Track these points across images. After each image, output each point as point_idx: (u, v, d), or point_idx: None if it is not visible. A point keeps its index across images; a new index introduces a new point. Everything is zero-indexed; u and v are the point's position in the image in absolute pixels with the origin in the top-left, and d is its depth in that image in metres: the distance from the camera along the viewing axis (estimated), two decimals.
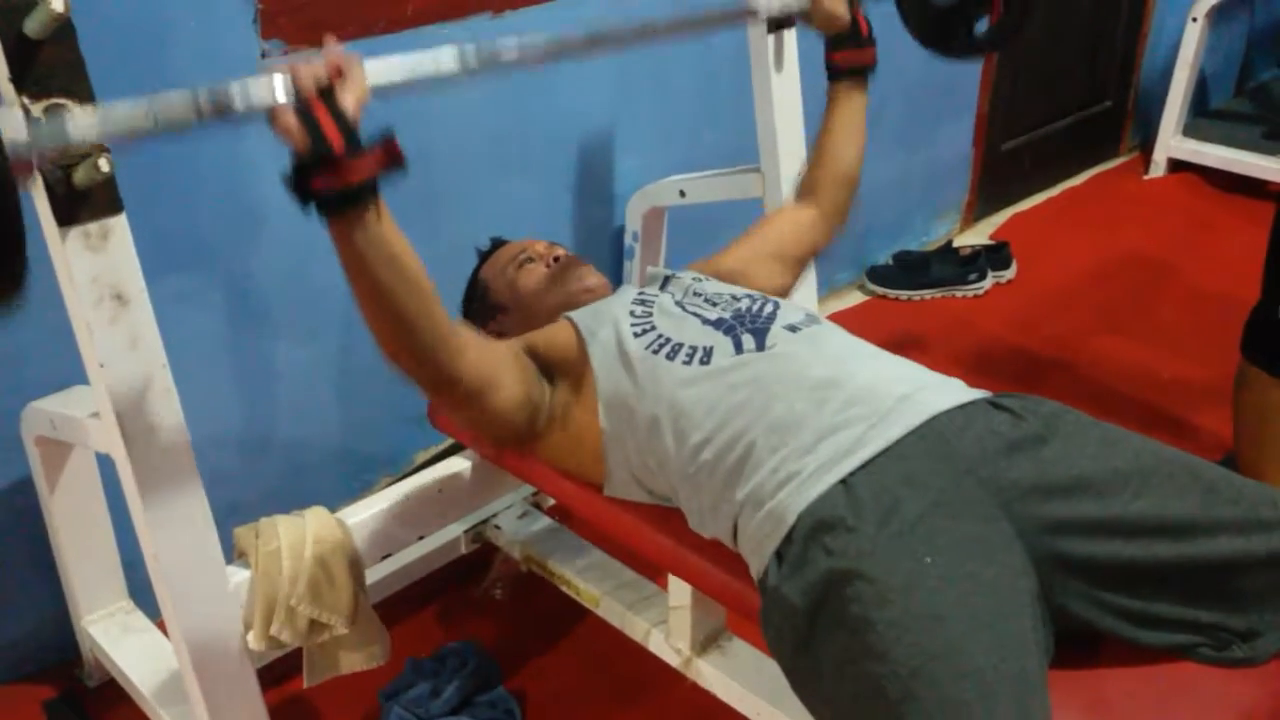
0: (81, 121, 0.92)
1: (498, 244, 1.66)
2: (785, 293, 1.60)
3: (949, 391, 1.23)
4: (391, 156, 1.04)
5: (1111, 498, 1.09)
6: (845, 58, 1.55)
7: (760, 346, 1.28)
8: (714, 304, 1.38)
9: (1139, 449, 1.15)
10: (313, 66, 1.01)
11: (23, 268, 0.83)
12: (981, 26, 1.68)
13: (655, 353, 1.30)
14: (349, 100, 1.02)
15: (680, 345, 1.30)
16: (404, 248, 1.10)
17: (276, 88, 0.99)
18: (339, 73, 1.02)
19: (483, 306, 1.59)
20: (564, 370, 1.36)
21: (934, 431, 1.15)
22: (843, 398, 1.19)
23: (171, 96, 0.94)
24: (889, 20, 1.66)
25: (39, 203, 1.05)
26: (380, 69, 1.07)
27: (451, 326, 1.21)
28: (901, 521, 1.06)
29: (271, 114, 1.00)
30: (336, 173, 1.00)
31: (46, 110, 1.01)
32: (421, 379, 1.23)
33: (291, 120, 1.00)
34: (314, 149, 1.00)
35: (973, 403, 1.20)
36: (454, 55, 1.12)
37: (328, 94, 1.01)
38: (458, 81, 1.13)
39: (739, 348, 1.28)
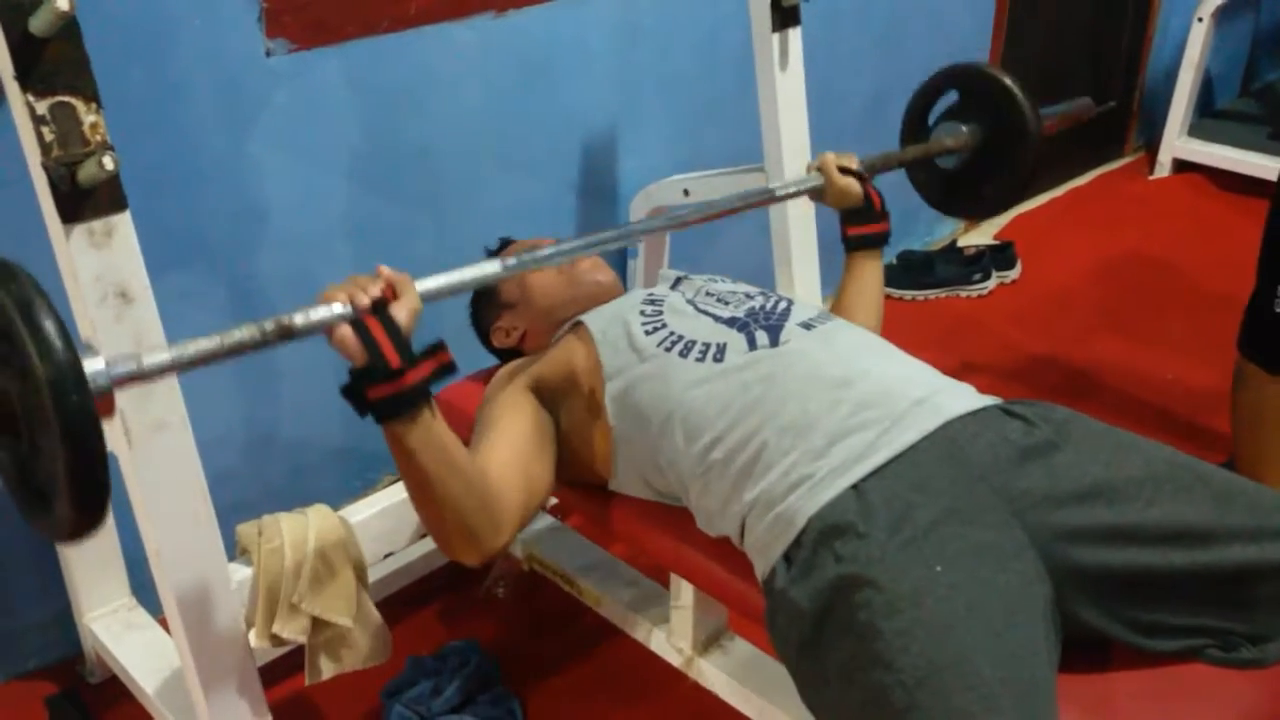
0: (159, 356, 0.95)
1: (506, 242, 1.66)
2: None
3: (962, 397, 1.22)
4: (442, 363, 1.08)
5: (1125, 505, 1.09)
6: (859, 231, 1.56)
7: (774, 343, 1.28)
8: (726, 302, 1.38)
9: (1151, 456, 1.14)
10: (367, 284, 1.06)
11: (105, 497, 0.86)
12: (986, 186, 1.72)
13: (667, 350, 1.30)
14: (402, 314, 1.07)
15: (693, 343, 1.30)
16: (453, 440, 1.13)
17: (335, 307, 1.04)
18: (392, 289, 1.07)
19: (491, 304, 1.59)
20: (575, 381, 1.35)
21: (947, 438, 1.15)
22: (856, 399, 1.19)
23: (238, 330, 0.99)
24: (892, 16, 1.66)
25: (43, 200, 1.05)
26: (430, 283, 1.13)
27: (492, 494, 1.20)
28: (913, 528, 1.06)
29: (329, 331, 1.05)
30: (392, 382, 1.05)
31: (52, 108, 1.01)
32: (473, 558, 1.23)
33: (349, 335, 1.04)
34: (370, 363, 1.04)
35: (985, 409, 1.20)
36: (497, 266, 1.19)
37: (382, 309, 1.05)
38: (499, 280, 1.22)
39: (752, 344, 1.28)
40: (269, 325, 1.00)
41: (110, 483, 0.85)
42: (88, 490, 0.83)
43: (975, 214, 1.76)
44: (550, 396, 1.36)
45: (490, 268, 1.18)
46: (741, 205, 1.44)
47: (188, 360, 0.96)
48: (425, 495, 1.15)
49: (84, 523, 0.86)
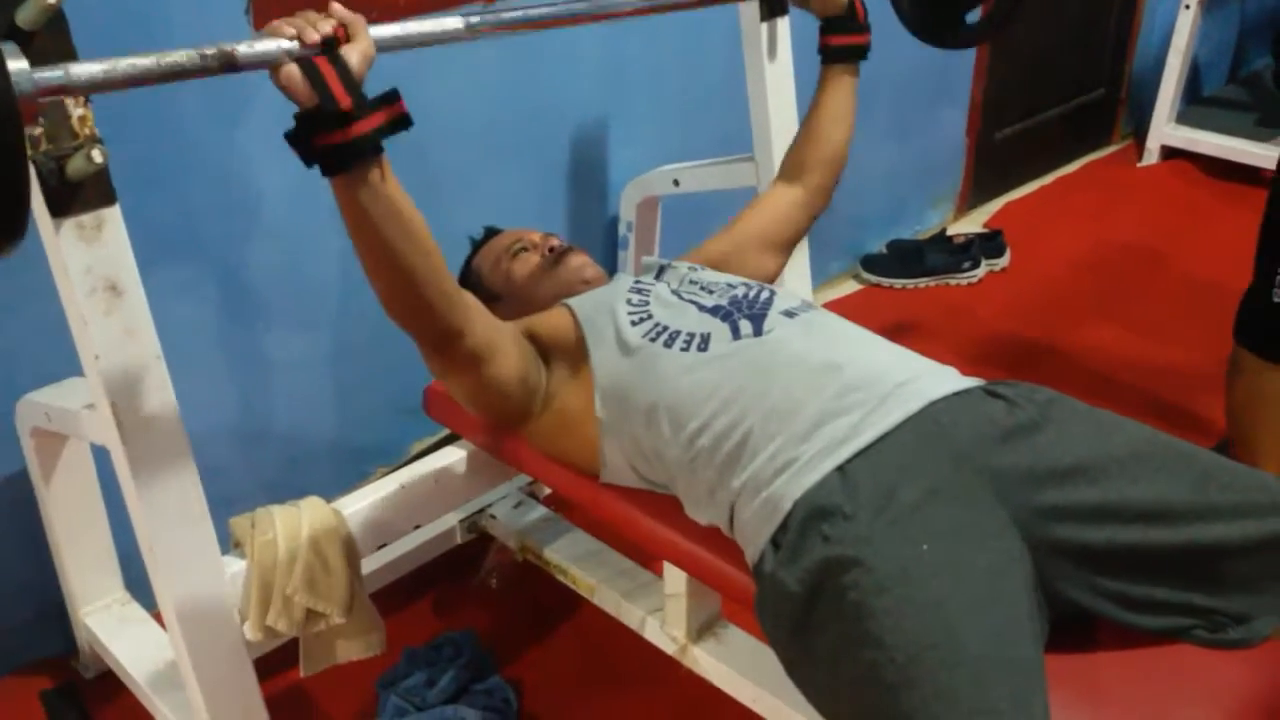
0: (89, 68, 0.91)
1: (491, 233, 1.66)
2: (774, 278, 1.60)
3: (945, 379, 1.23)
4: (396, 114, 1.04)
5: (1106, 483, 1.10)
6: (839, 41, 1.55)
7: (757, 332, 1.28)
8: (710, 291, 1.38)
9: (1133, 435, 1.15)
10: (318, 20, 1.02)
11: (24, 216, 0.82)
12: (973, 16, 1.69)
13: (653, 341, 1.30)
14: (354, 56, 1.02)
15: (678, 333, 1.30)
16: (407, 204, 1.09)
17: (282, 42, 0.99)
18: (344, 30, 1.03)
19: (476, 296, 1.59)
20: (561, 356, 1.36)
21: (930, 419, 1.16)
22: (840, 384, 1.19)
23: (178, 52, 0.94)
24: (882, 10, 1.67)
25: (33, 195, 1.05)
26: (385, 29, 1.07)
27: (455, 284, 1.21)
28: (898, 509, 1.07)
29: (274, 67, 1.00)
30: (341, 128, 1.00)
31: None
32: (425, 335, 1.22)
33: (295, 74, 1.00)
34: (318, 104, 1.00)
35: (968, 390, 1.21)
36: (459, 22, 1.12)
37: (333, 49, 1.01)
38: (461, 41, 1.13)
39: (736, 333, 1.29)
40: (210, 51, 0.94)
41: (29, 195, 0.81)
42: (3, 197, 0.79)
43: (958, 43, 1.69)
44: (539, 349, 1.36)
45: (451, 23, 1.11)
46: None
47: (121, 76, 0.91)
48: (375, 255, 1.11)
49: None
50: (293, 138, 1.02)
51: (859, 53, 1.56)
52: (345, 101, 0.99)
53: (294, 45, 0.99)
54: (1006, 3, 1.61)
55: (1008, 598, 1.03)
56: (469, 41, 1.14)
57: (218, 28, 1.59)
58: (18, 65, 0.84)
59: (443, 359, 1.27)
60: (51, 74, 0.89)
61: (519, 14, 1.18)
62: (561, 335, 1.37)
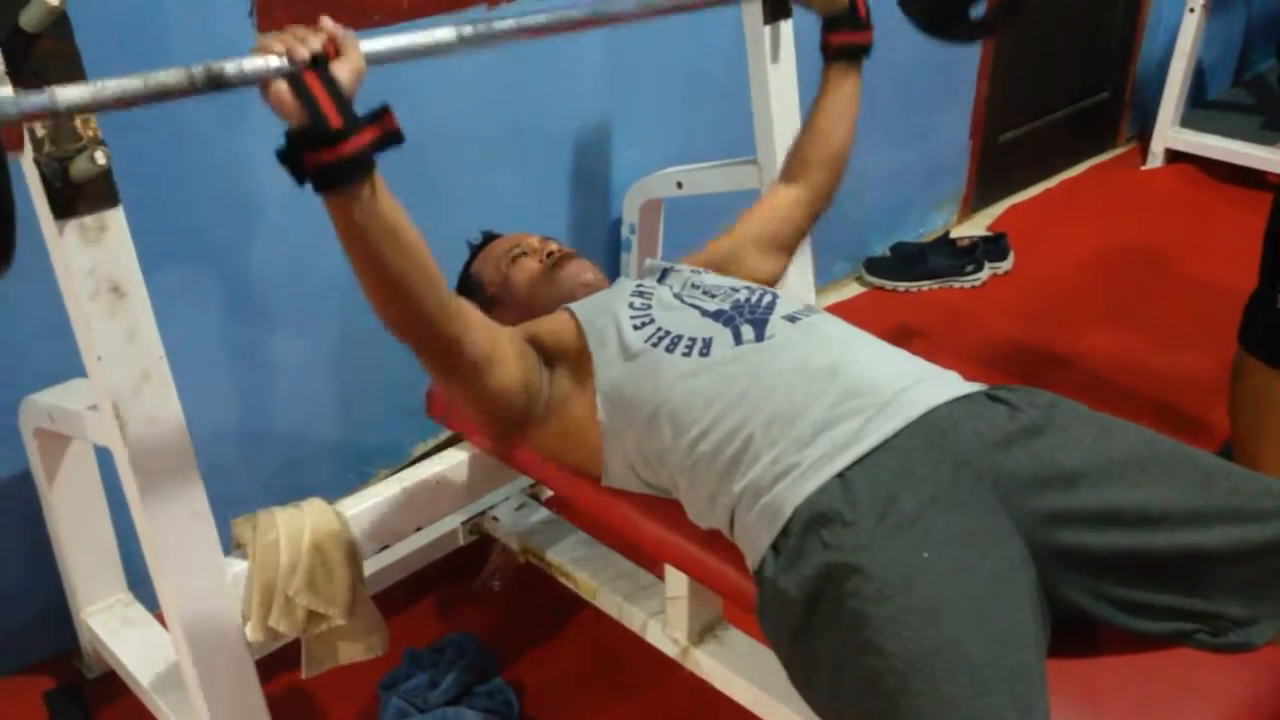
0: (75, 92, 0.89)
1: (490, 237, 1.66)
2: (776, 280, 1.60)
3: (946, 384, 1.23)
4: (387, 130, 1.03)
5: (1109, 488, 1.10)
6: (841, 39, 1.54)
7: (759, 337, 1.28)
8: (713, 296, 1.38)
9: (1135, 439, 1.15)
10: (307, 36, 1.00)
11: (10, 239, 0.82)
12: (978, 11, 1.67)
13: (655, 346, 1.30)
14: (344, 73, 1.01)
15: (680, 338, 1.30)
16: (401, 219, 1.08)
17: (270, 60, 0.98)
18: (334, 46, 1.01)
19: (475, 300, 1.59)
20: (563, 361, 1.36)
21: (931, 425, 1.15)
22: (841, 390, 1.19)
23: (165, 71, 0.93)
24: (885, 11, 1.66)
25: (36, 195, 1.05)
26: (376, 43, 1.06)
27: (453, 295, 1.21)
28: (899, 515, 1.06)
29: (263, 84, 0.98)
30: (331, 146, 0.99)
31: None
32: (424, 348, 1.22)
33: (285, 91, 0.98)
34: (308, 121, 0.99)
35: (970, 395, 1.21)
36: (451, 32, 1.10)
37: (322, 66, 1.00)
38: (453, 52, 1.11)
39: (738, 338, 1.28)
40: (198, 70, 0.93)
41: (14, 223, 0.80)
42: None
43: (965, 37, 1.66)
44: (541, 354, 1.36)
45: (443, 33, 1.08)
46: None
47: (109, 98, 0.89)
48: (372, 275, 1.10)
49: None
50: (284, 155, 1.01)
51: (861, 51, 1.56)
52: (335, 120, 0.98)
53: (283, 62, 0.98)
54: (1004, 6, 1.60)
55: (1010, 603, 1.03)
56: (462, 53, 1.12)
57: (222, 30, 1.59)
58: (1, 91, 0.82)
59: (443, 369, 1.27)
60: (36, 99, 0.87)
61: (512, 24, 1.15)
62: (563, 339, 1.36)
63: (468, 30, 1.09)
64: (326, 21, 1.03)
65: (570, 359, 1.35)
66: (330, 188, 1.02)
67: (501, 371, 1.29)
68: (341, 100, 0.99)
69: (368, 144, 1.01)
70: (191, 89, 0.93)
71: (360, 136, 1.00)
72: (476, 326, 1.25)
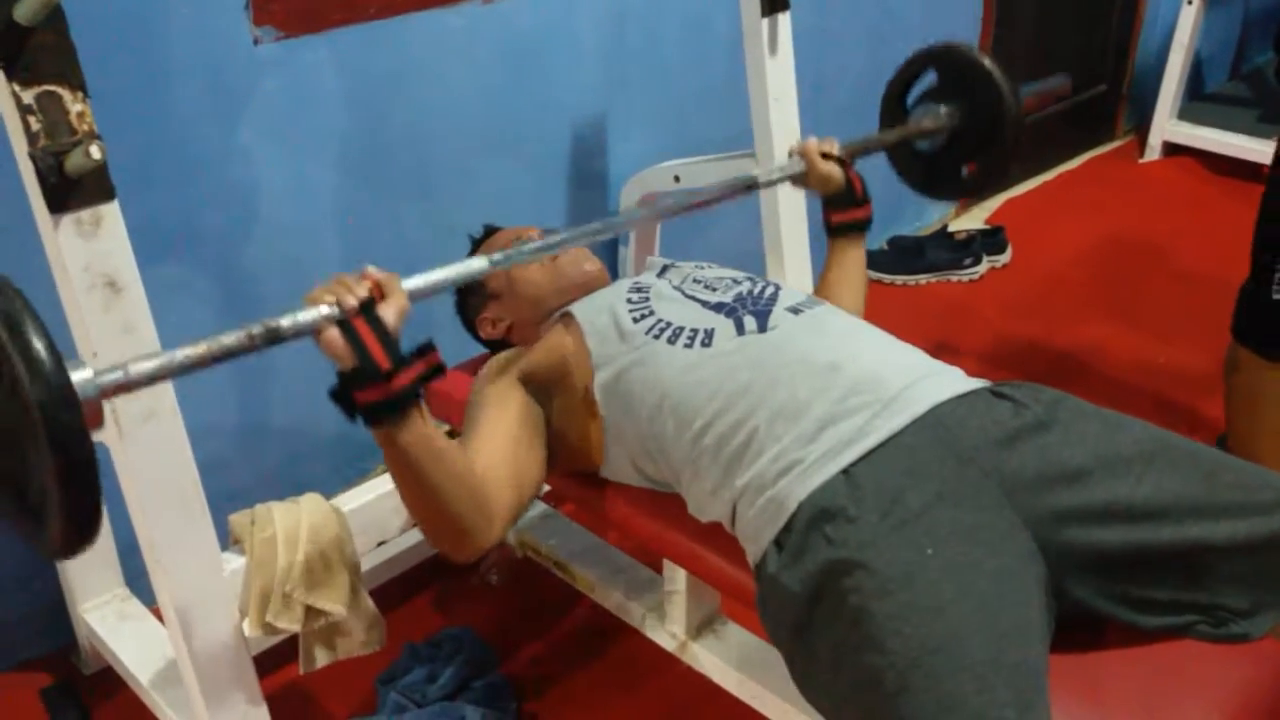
0: (146, 365, 0.94)
1: (491, 231, 1.65)
2: None
3: (950, 380, 1.23)
4: (430, 365, 1.07)
5: (1114, 484, 1.10)
6: (841, 217, 1.56)
7: (762, 328, 1.28)
8: (714, 288, 1.37)
9: (1140, 435, 1.15)
10: (353, 284, 1.05)
11: (98, 519, 0.86)
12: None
13: (655, 337, 1.30)
14: (390, 314, 1.05)
15: (681, 329, 1.30)
16: (443, 439, 1.13)
17: (321, 309, 1.03)
18: (379, 290, 1.06)
19: (477, 295, 1.59)
20: (564, 372, 1.35)
21: (936, 422, 1.15)
22: (846, 384, 1.19)
23: (225, 335, 0.99)
24: (886, 10, 1.66)
25: (31, 190, 1.05)
26: (417, 280, 1.11)
27: (485, 490, 1.20)
28: (904, 512, 1.06)
29: (316, 333, 1.03)
30: (380, 384, 1.04)
31: (38, 97, 1.01)
32: (465, 554, 1.23)
33: (336, 338, 1.03)
34: (359, 366, 1.03)
35: (974, 392, 1.20)
36: (484, 263, 1.18)
37: (369, 310, 1.04)
38: (485, 274, 1.18)
39: (741, 329, 1.28)
40: (256, 329, 1.00)
41: (101, 497, 0.85)
42: (80, 508, 0.83)
43: (957, 196, 1.74)
44: (540, 389, 1.35)
45: (477, 264, 1.17)
46: (723, 194, 1.43)
47: (176, 367, 0.96)
48: (416, 494, 1.14)
49: (77, 538, 0.85)
50: (335, 394, 1.06)
51: (861, 226, 1.57)
52: (384, 362, 1.03)
53: (334, 310, 1.03)
54: (990, 169, 1.65)
55: (1015, 600, 1.02)
56: (491, 271, 1.19)
57: (218, 23, 1.59)
58: (81, 376, 0.86)
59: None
60: (112, 376, 0.91)
61: (540, 244, 1.23)
62: (563, 354, 1.35)
63: (498, 256, 1.18)
64: (371, 269, 1.08)
65: (571, 367, 1.34)
66: (380, 422, 1.06)
67: (533, 484, 1.31)
68: (388, 341, 1.04)
69: (412, 381, 1.06)
70: (251, 347, 0.99)
71: (405, 375, 1.05)
72: (506, 496, 1.24)
